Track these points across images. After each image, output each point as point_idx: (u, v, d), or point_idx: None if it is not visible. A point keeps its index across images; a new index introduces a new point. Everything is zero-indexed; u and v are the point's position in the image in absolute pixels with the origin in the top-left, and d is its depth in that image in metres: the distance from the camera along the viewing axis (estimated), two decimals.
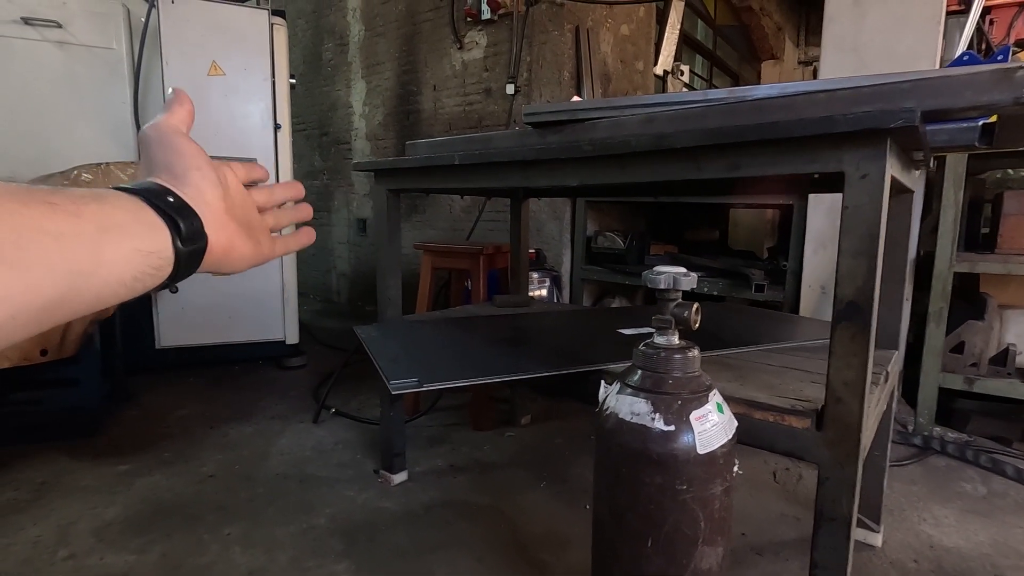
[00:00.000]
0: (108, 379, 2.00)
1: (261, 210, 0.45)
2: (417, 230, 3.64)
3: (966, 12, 2.05)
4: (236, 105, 2.34)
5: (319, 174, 4.49)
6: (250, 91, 2.36)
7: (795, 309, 2.17)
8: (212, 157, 0.40)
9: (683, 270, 0.77)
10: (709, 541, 0.75)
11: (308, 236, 0.49)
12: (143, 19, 2.23)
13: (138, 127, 2.30)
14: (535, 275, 2.55)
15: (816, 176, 0.80)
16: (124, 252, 0.30)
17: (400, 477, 1.59)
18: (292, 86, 2.63)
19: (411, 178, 1.38)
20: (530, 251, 2.65)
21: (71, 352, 1.72)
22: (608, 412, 0.79)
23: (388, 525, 1.38)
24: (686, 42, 4.53)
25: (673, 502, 0.73)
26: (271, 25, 2.40)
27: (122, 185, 0.34)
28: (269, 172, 0.51)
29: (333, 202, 4.38)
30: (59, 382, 1.79)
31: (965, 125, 1.03)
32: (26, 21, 2.13)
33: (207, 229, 0.36)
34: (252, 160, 2.37)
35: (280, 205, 0.48)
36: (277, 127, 2.48)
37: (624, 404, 0.77)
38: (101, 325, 1.87)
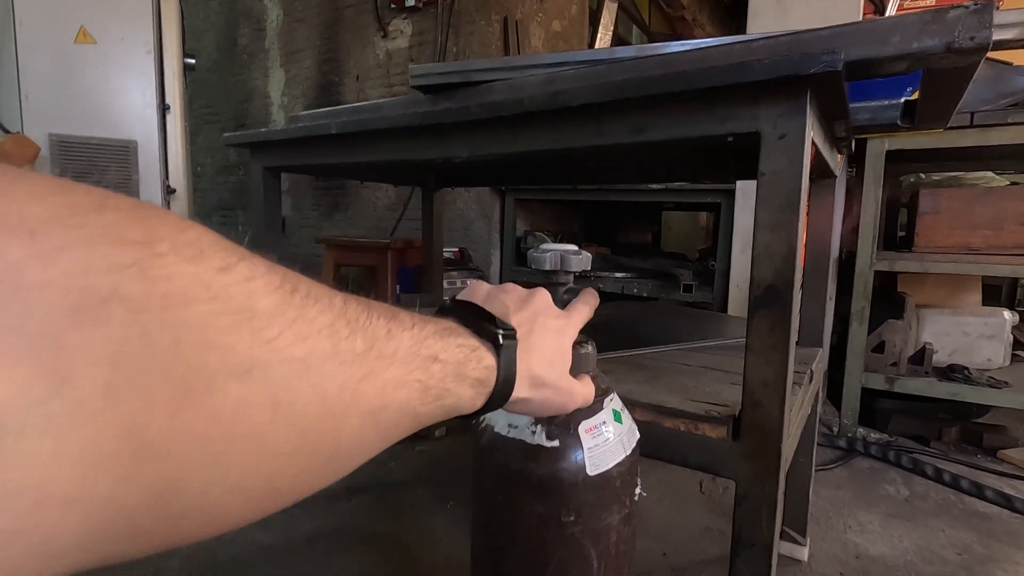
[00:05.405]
0: None
1: None
2: (339, 229, 3.40)
3: (880, 14, 2.08)
4: (112, 79, 2.05)
5: (234, 169, 4.16)
6: (128, 64, 2.07)
7: (724, 309, 2.11)
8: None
9: (574, 248, 0.63)
10: None
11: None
12: None
13: None
14: (456, 275, 2.38)
15: (730, 139, 0.68)
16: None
17: None
18: (190, 66, 2.36)
19: (289, 153, 1.19)
20: (455, 250, 2.49)
21: None
22: (484, 425, 0.63)
23: (258, 562, 1.16)
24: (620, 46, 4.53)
25: (558, 536, 0.58)
26: None
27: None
28: None
29: (250, 200, 4.06)
30: None
31: (887, 102, 0.97)
32: None
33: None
34: (133, 142, 2.09)
35: None
36: (166, 108, 2.21)
37: (501, 414, 0.61)
38: None
